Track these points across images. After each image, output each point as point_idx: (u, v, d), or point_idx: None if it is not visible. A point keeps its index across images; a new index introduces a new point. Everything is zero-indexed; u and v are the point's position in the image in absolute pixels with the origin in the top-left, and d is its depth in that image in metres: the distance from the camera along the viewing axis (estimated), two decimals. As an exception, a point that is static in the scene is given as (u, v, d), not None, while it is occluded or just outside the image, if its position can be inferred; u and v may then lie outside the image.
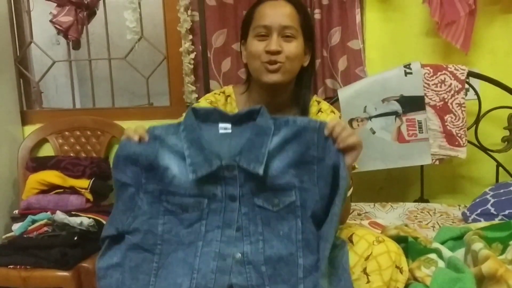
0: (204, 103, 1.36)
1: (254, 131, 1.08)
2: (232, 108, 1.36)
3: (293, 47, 1.28)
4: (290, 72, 1.30)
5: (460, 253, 1.38)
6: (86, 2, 2.23)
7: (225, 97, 1.38)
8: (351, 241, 1.17)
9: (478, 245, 1.26)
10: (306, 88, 1.37)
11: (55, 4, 2.27)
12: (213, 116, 1.12)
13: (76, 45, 2.37)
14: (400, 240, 1.37)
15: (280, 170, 1.07)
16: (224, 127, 1.12)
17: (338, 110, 1.90)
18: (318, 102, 1.41)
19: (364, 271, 1.12)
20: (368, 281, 1.12)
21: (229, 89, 1.42)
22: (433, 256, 1.32)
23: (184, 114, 1.32)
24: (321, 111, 1.38)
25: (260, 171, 1.03)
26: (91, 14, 2.35)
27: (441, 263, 1.30)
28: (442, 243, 1.44)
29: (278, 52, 1.26)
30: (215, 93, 1.40)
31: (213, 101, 1.37)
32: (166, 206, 1.09)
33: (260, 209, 1.08)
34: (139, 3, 2.23)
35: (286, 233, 1.07)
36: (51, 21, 2.26)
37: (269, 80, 1.28)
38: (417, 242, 1.38)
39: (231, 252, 1.06)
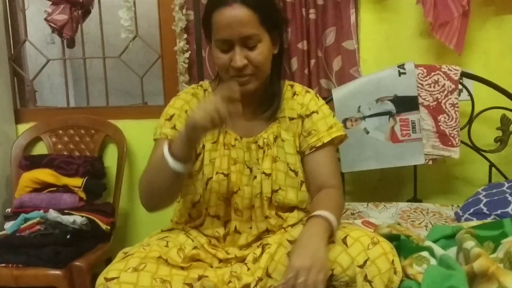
0: (184, 95, 1.35)
1: None
2: None
3: (260, 54, 1.21)
4: (262, 77, 1.27)
5: (452, 251, 1.37)
6: (81, 0, 2.24)
7: (203, 91, 1.37)
8: (345, 243, 1.15)
9: (469, 244, 1.26)
10: (277, 77, 1.34)
11: (50, 3, 2.27)
12: None
13: (71, 43, 2.36)
14: (392, 238, 1.36)
15: None
16: None
17: (332, 110, 1.91)
18: (292, 86, 1.39)
19: (366, 278, 1.10)
20: None
21: (205, 83, 1.40)
22: (425, 254, 1.32)
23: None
24: (296, 93, 1.37)
25: None
26: (86, 12, 2.35)
27: (433, 261, 1.30)
28: (435, 241, 1.43)
29: (244, 66, 1.21)
30: (193, 87, 1.39)
31: (193, 93, 1.35)
32: None
33: None
34: (134, 2, 2.23)
35: None
36: (45, 19, 2.26)
37: (241, 91, 1.22)
38: (410, 240, 1.38)
39: None
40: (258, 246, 1.29)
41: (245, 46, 1.21)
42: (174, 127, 1.29)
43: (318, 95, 1.39)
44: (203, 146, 1.31)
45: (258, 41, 1.21)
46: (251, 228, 1.32)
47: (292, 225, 1.32)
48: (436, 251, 1.33)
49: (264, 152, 1.32)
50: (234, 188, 1.31)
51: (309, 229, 1.12)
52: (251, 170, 1.32)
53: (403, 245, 1.35)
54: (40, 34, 3.19)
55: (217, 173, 1.30)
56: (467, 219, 1.74)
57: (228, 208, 1.32)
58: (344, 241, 1.15)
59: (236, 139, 1.33)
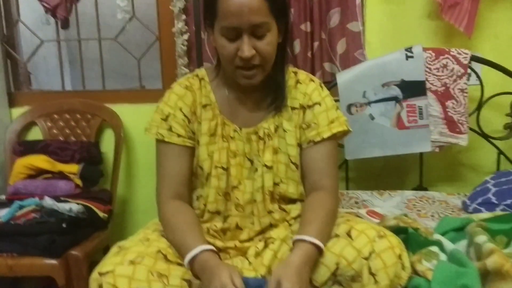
0: (178, 88, 1.27)
1: None
2: (207, 91, 1.27)
3: (268, 44, 1.14)
4: (268, 69, 1.19)
5: (461, 245, 1.33)
6: (75, -21, 2.14)
7: (199, 80, 1.29)
8: (350, 236, 1.10)
9: (481, 238, 1.21)
10: (281, 66, 1.26)
11: (43, -18, 2.18)
12: None
13: (65, 24, 2.29)
14: (399, 231, 1.32)
15: None
16: None
17: (336, 95, 1.85)
18: (295, 73, 1.31)
19: (370, 271, 1.06)
20: (376, 281, 1.06)
21: (201, 71, 1.32)
22: (434, 248, 1.27)
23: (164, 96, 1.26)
24: (299, 82, 1.29)
25: None
26: (81, -8, 2.26)
27: (442, 256, 1.26)
28: (443, 234, 1.39)
29: (252, 57, 1.13)
30: (188, 77, 1.30)
31: (188, 86, 1.27)
32: None
33: None
34: (131, -19, 2.15)
35: None
36: (38, -1, 2.17)
37: (247, 84, 1.18)
38: (418, 233, 1.34)
39: None
40: (260, 240, 1.24)
41: (253, 35, 1.12)
42: (170, 129, 1.23)
43: (323, 85, 1.31)
44: (198, 141, 1.25)
45: (267, 30, 1.13)
46: (253, 223, 1.26)
47: (295, 218, 1.27)
48: (446, 245, 1.29)
49: (264, 143, 1.25)
50: (234, 182, 1.25)
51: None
52: (252, 162, 1.26)
53: (411, 239, 1.30)
54: (34, 15, 3.09)
55: (216, 167, 1.24)
56: (475, 209, 1.70)
57: (228, 203, 1.26)
58: (348, 234, 1.11)
59: (235, 130, 1.26)
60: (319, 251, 1.08)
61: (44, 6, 2.18)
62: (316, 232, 1.09)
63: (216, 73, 1.29)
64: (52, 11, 2.18)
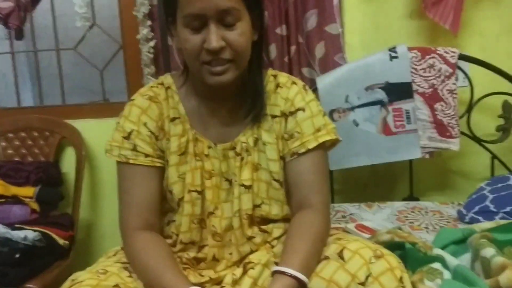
0: (140, 99, 1.08)
1: None
2: (175, 102, 1.10)
3: (240, 35, 0.98)
4: (241, 67, 1.02)
5: (464, 259, 1.22)
6: (28, -15, 1.97)
7: (165, 89, 1.11)
8: (342, 258, 0.94)
9: (489, 251, 1.10)
10: (257, 68, 1.10)
11: (-7, -11, 2.01)
12: None
13: (19, 34, 2.11)
14: (394, 246, 1.18)
15: None
16: None
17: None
18: (275, 76, 1.14)
19: None
20: None
21: (167, 79, 1.13)
22: (436, 265, 1.14)
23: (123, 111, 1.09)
24: (279, 86, 1.11)
25: None
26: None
27: (446, 274, 1.12)
28: (443, 248, 1.27)
29: (221, 49, 0.97)
30: (152, 86, 1.12)
31: (152, 96, 1.09)
32: None
33: None
34: (90, -14, 2.00)
35: None
36: (-13, 7, 1.99)
37: (216, 83, 1.00)
38: (416, 248, 1.19)
39: None
40: (237, 266, 1.06)
41: (222, 24, 0.97)
42: (135, 148, 1.04)
43: (307, 88, 1.13)
44: (167, 160, 1.07)
45: (238, 19, 0.97)
46: (231, 254, 1.09)
47: (278, 237, 1.10)
48: (448, 261, 1.16)
49: (242, 159, 1.08)
50: (211, 207, 1.07)
51: None
52: (230, 182, 1.09)
53: (409, 255, 1.16)
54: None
55: (189, 191, 1.06)
56: (472, 219, 1.60)
57: (204, 231, 1.08)
58: (340, 255, 0.95)
59: (209, 147, 1.08)
60: (302, 286, 0.91)
61: (-6, 15, 2.00)
62: (300, 264, 0.92)
63: (183, 79, 1.11)
64: (4, 19, 2.00)
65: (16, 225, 1.75)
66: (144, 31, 1.96)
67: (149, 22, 1.97)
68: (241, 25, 0.98)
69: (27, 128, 2.06)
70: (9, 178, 1.89)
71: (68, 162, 2.08)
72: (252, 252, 1.08)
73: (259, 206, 1.07)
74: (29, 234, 1.69)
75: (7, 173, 1.91)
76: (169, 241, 1.09)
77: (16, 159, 2.04)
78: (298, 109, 1.08)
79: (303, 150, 1.06)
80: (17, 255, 1.63)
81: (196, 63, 1.00)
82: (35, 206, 1.86)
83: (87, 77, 2.77)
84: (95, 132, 2.07)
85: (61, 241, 1.78)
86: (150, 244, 1.02)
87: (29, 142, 2.06)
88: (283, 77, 1.13)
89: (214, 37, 0.95)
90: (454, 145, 1.81)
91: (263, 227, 1.09)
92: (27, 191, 1.87)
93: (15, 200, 1.86)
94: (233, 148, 1.09)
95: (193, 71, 1.04)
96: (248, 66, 1.06)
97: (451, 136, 1.80)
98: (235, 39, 0.97)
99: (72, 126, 2.04)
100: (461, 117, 1.85)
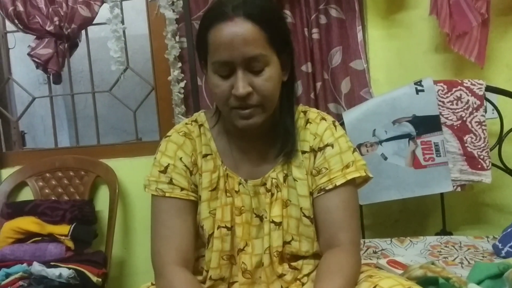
0: (176, 136, 1.12)
1: None
2: (207, 139, 1.12)
3: (267, 80, 0.99)
4: (269, 109, 1.03)
5: None
6: (66, 33, 2.08)
7: (199, 127, 1.14)
8: None
9: None
10: (288, 109, 1.11)
11: (34, 37, 2.12)
12: None
13: (57, 79, 2.21)
14: (428, 282, 1.16)
15: None
16: None
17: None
18: (305, 112, 1.15)
19: None
20: None
21: (200, 117, 1.17)
22: (472, 301, 1.10)
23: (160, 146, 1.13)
24: (309, 122, 1.12)
25: None
26: (73, 46, 2.19)
27: (482, 309, 1.08)
28: (479, 283, 1.22)
29: (248, 95, 0.99)
30: (186, 123, 1.15)
31: (186, 133, 1.12)
32: None
33: None
34: (124, 32, 2.09)
35: None
36: (29, 54, 2.10)
37: (244, 126, 1.02)
38: (450, 283, 1.16)
39: None
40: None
41: (249, 71, 0.98)
42: (171, 182, 1.07)
43: (336, 124, 1.14)
44: (200, 196, 1.09)
45: (265, 64, 0.98)
46: None
47: (308, 274, 1.09)
48: None
49: (272, 195, 1.09)
50: (241, 244, 1.08)
51: None
52: (261, 219, 1.09)
53: (443, 291, 1.13)
54: (32, 75, 3.07)
55: (218, 227, 1.07)
56: (508, 253, 1.54)
57: (234, 268, 1.09)
58: None
59: (240, 183, 1.10)
60: None
61: (34, 61, 2.10)
62: None
63: (216, 118, 1.14)
64: (43, 66, 2.10)
65: (52, 263, 1.78)
66: (175, 73, 2.02)
67: (179, 64, 2.03)
68: (269, 70, 0.99)
69: (63, 168, 2.12)
70: (45, 217, 1.94)
71: (102, 200, 2.12)
72: None
73: (289, 242, 1.07)
74: (64, 271, 1.72)
75: (43, 211, 1.96)
76: (199, 277, 1.09)
77: (53, 198, 2.09)
78: (327, 145, 1.08)
79: (330, 186, 1.05)
80: (53, 292, 1.65)
81: (226, 108, 1.02)
82: (70, 244, 1.89)
83: (120, 117, 2.87)
84: (128, 170, 2.12)
85: (94, 279, 1.80)
86: (185, 285, 1.00)
87: (65, 181, 2.11)
88: (313, 113, 1.14)
89: (241, 83, 0.97)
90: (486, 177, 1.77)
91: (293, 264, 1.09)
92: (63, 229, 1.90)
93: (51, 238, 1.90)
94: (264, 184, 1.09)
95: (224, 113, 1.07)
96: (279, 106, 1.08)
97: (482, 168, 1.77)
98: (262, 85, 0.99)
99: (106, 165, 2.10)
100: (492, 149, 1.82)
